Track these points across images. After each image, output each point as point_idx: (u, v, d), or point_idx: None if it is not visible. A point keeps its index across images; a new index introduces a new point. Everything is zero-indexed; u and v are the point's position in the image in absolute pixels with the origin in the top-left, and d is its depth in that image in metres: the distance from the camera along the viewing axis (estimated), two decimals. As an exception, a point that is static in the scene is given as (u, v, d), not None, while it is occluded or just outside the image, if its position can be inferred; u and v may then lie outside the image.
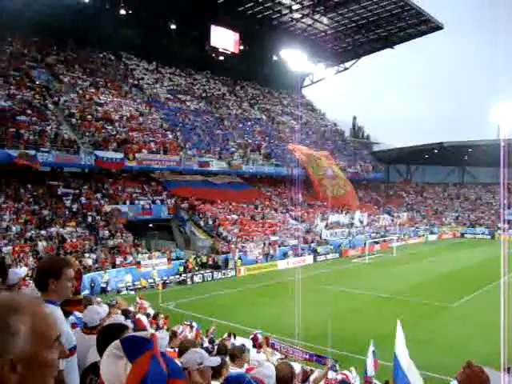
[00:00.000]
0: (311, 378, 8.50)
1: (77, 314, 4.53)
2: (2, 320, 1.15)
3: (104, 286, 29.20)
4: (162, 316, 14.39)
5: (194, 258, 36.22)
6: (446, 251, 50.04)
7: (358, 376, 12.19)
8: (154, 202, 40.82)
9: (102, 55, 53.11)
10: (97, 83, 47.45)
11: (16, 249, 28.22)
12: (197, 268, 35.58)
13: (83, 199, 36.42)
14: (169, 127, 48.65)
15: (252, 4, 53.83)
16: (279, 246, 42.27)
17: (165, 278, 32.42)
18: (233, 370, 4.76)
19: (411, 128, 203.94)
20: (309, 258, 42.86)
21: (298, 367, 7.96)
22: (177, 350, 6.29)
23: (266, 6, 54.26)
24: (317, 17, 58.25)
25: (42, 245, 29.69)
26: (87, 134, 39.37)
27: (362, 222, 55.05)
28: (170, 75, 59.18)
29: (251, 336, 13.04)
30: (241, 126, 59.69)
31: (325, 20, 59.23)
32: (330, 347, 13.95)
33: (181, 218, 41.57)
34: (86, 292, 25.07)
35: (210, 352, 7.76)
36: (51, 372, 1.24)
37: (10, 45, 43.51)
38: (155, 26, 52.54)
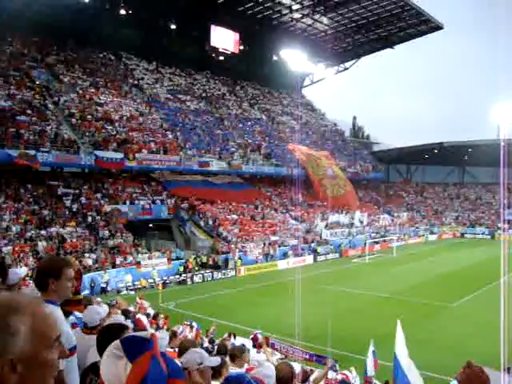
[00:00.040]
0: (311, 378, 8.50)
1: (77, 314, 4.53)
2: (2, 320, 1.15)
3: (104, 286, 29.20)
4: (162, 316, 14.40)
5: (194, 258, 36.22)
6: (446, 251, 50.04)
7: (358, 376, 12.20)
8: (154, 202, 40.82)
9: (101, 55, 53.12)
10: (97, 83, 47.46)
11: (16, 249, 28.22)
12: (197, 268, 35.58)
13: (83, 199, 36.42)
14: (169, 127, 48.65)
15: (252, 4, 53.83)
16: (279, 246, 42.27)
17: (165, 278, 32.41)
18: (233, 370, 4.76)
19: (411, 128, 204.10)
20: (309, 258, 42.85)
21: (298, 367, 7.96)
22: (177, 350, 6.29)
23: (265, 5, 54.27)
24: (317, 17, 58.26)
25: (42, 245, 29.69)
26: (87, 134, 39.38)
27: (362, 222, 55.05)
28: (170, 75, 59.18)
29: (251, 336, 13.05)
30: (241, 126, 59.70)
31: (325, 20, 59.24)
32: (330, 347, 13.95)
33: (181, 218, 41.56)
34: (86, 292, 25.07)
35: (210, 352, 7.76)
36: (51, 372, 1.24)
37: (10, 45, 43.51)
38: (155, 26, 52.54)
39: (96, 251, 31.62)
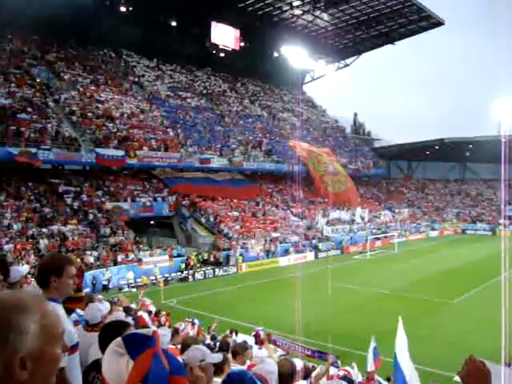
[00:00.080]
0: (313, 375, 8.51)
1: (79, 311, 4.54)
2: (11, 319, 1.17)
3: (106, 283, 29.23)
4: (164, 313, 14.44)
5: (196, 255, 36.25)
6: (446, 247, 50.02)
7: (360, 372, 12.22)
8: (155, 199, 40.83)
9: (102, 52, 53.09)
10: (97, 81, 47.44)
11: (17, 247, 28.23)
12: (198, 265, 35.61)
13: (84, 197, 36.43)
14: (169, 124, 48.64)
15: (252, 0, 53.78)
16: (280, 243, 42.28)
17: (166, 275, 32.42)
18: (234, 366, 4.77)
19: (412, 124, 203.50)
20: (310, 255, 42.85)
21: (299, 363, 7.97)
22: (179, 346, 6.31)
23: (266, 2, 54.19)
24: (317, 13, 58.17)
25: (43, 243, 29.72)
26: (88, 131, 39.38)
27: (363, 219, 55.04)
28: (171, 72, 59.13)
29: (253, 333, 13.07)
30: (241, 122, 59.65)
31: (325, 16, 59.14)
32: (331, 343, 13.97)
33: (182, 215, 41.60)
34: (88, 290, 25.14)
35: (211, 349, 7.78)
36: (57, 366, 1.27)
37: (11, 42, 43.49)
38: (155, 23, 52.48)
39: (97, 249, 31.65)
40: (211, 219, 41.87)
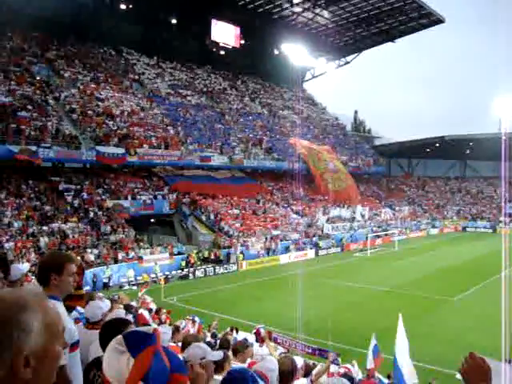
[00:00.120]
0: (313, 372, 8.51)
1: (79, 309, 4.54)
2: (14, 318, 1.17)
3: (106, 281, 29.23)
4: (165, 311, 14.44)
5: (196, 253, 36.28)
6: (447, 245, 50.04)
7: (360, 369, 12.23)
8: (155, 197, 40.84)
9: (102, 50, 53.03)
10: (97, 78, 47.41)
11: (18, 245, 28.24)
12: (199, 263, 35.62)
13: (85, 195, 36.44)
14: (170, 122, 48.61)
15: (253, -2, 53.80)
16: (281, 241, 42.28)
17: (167, 273, 32.44)
18: (235, 364, 4.77)
19: (412, 122, 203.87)
20: (310, 253, 42.87)
21: (300, 361, 7.97)
22: (179, 344, 6.31)
23: (266, 0, 54.12)
24: (318, 11, 58.13)
25: (43, 241, 29.73)
26: (88, 129, 39.37)
27: (363, 216, 55.05)
28: (171, 70, 59.09)
29: (254, 330, 13.07)
30: (242, 120, 59.63)
31: (326, 14, 59.08)
32: (331, 341, 13.98)
33: (182, 212, 41.62)
34: (88, 288, 25.16)
35: (212, 346, 7.78)
36: (57, 364, 1.28)
37: (11, 40, 43.43)
38: (155, 21, 52.47)
39: (98, 247, 31.66)
40: (212, 217, 41.89)
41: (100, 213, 35.43)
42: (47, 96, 40.35)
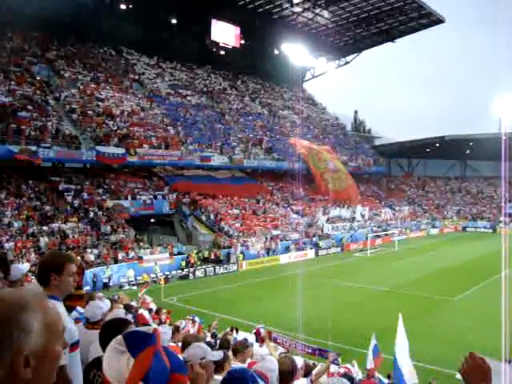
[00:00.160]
0: (314, 372, 8.51)
1: (79, 309, 4.54)
2: (14, 318, 1.17)
3: (106, 281, 29.22)
4: (165, 311, 14.44)
5: (196, 253, 36.28)
6: (447, 245, 50.04)
7: (360, 369, 12.23)
8: (155, 197, 40.85)
9: (102, 50, 53.05)
10: (97, 78, 47.41)
11: (18, 245, 28.24)
12: (199, 263, 35.63)
13: (85, 195, 36.45)
14: (170, 122, 48.62)
15: (253, -2, 53.81)
16: (281, 241, 42.28)
17: (167, 273, 32.44)
18: (235, 364, 4.77)
19: (412, 122, 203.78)
20: (311, 253, 42.87)
21: (300, 361, 7.97)
22: (180, 344, 6.31)
23: (266, 0, 54.14)
24: (318, 10, 58.14)
25: (43, 241, 29.73)
26: (88, 129, 39.37)
27: (363, 216, 55.05)
28: (171, 70, 59.10)
29: (254, 330, 13.07)
30: (242, 120, 59.64)
31: (326, 14, 59.10)
32: (331, 341, 13.97)
33: (182, 212, 41.62)
34: (88, 288, 25.15)
35: (212, 346, 7.78)
36: (57, 364, 1.28)
37: (11, 40, 43.43)
38: (156, 21, 52.48)
39: (98, 247, 31.66)
40: (212, 217, 41.89)
41: (100, 213, 35.44)
42: (47, 96, 40.36)
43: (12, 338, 1.15)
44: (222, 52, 60.51)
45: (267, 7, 56.06)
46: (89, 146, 37.44)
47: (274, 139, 59.26)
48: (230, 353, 5.47)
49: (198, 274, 33.74)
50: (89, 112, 41.37)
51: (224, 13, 54.34)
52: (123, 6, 49.02)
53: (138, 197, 39.67)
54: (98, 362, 2.74)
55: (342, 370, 10.30)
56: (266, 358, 4.14)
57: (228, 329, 14.08)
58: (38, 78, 41.57)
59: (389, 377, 11.92)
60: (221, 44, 57.82)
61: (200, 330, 13.02)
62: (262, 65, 68.92)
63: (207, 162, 46.47)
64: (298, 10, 57.75)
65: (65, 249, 28.73)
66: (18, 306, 1.19)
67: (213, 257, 36.81)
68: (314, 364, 11.14)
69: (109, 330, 2.91)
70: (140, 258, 32.47)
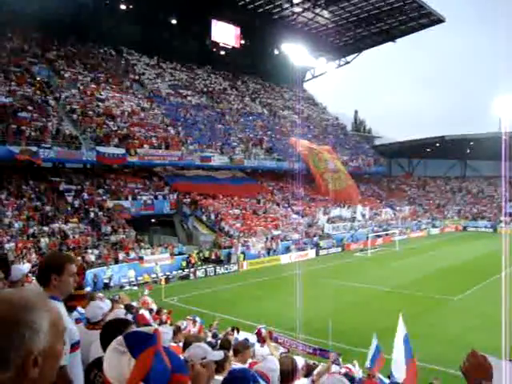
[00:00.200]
0: (315, 372, 8.52)
1: (80, 309, 4.55)
2: (24, 318, 1.18)
3: (107, 281, 29.23)
4: (165, 311, 14.45)
5: (197, 253, 36.28)
6: (448, 245, 50.00)
7: (361, 369, 12.23)
8: (156, 197, 40.86)
9: (102, 50, 53.08)
10: (98, 79, 47.43)
11: (19, 245, 28.23)
12: (199, 263, 35.64)
13: (85, 195, 36.46)
14: (170, 122, 48.64)
15: (253, -2, 53.84)
16: (281, 241, 42.28)
17: (168, 273, 32.45)
18: (235, 365, 4.77)
19: (412, 121, 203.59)
20: (311, 252, 42.87)
21: (301, 361, 7.98)
22: (181, 344, 6.32)
23: (266, 0, 54.14)
24: (318, 10, 58.16)
25: (44, 241, 29.74)
26: (88, 129, 39.38)
27: (364, 216, 55.03)
28: (171, 70, 59.12)
29: (255, 331, 13.09)
30: (242, 120, 59.66)
31: (326, 14, 59.12)
32: (332, 341, 13.98)
33: (183, 213, 41.63)
34: (89, 288, 25.14)
35: (213, 346, 7.78)
36: (60, 361, 1.29)
37: (11, 41, 43.45)
38: (156, 21, 52.47)
39: (98, 247, 31.67)
40: (212, 217, 41.89)
41: (100, 213, 35.45)
42: (47, 96, 40.37)
43: (23, 338, 1.16)
44: (222, 52, 60.55)
45: (267, 7, 56.09)
46: (89, 146, 37.45)
47: (275, 139, 59.27)
48: (230, 353, 5.48)
49: (199, 274, 33.75)
50: (89, 112, 41.39)
51: (224, 13, 54.36)
52: (123, 7, 49.06)
53: (139, 197, 39.68)
54: (98, 362, 2.73)
55: (343, 370, 10.31)
56: (267, 358, 4.14)
57: (229, 329, 14.08)
58: (38, 79, 41.59)
59: (389, 377, 11.92)
60: (221, 44, 57.86)
61: (201, 330, 13.03)
62: (263, 65, 68.93)
63: (207, 162, 46.50)
64: (298, 10, 57.78)
65: (65, 249, 28.75)
66: (26, 306, 1.19)
67: (213, 257, 36.82)
68: (314, 364, 11.15)
69: (109, 330, 2.91)
70: (141, 259, 32.48)
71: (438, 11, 58.77)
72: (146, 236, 37.82)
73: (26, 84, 39.59)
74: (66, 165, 38.47)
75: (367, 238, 47.39)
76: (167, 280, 30.41)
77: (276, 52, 64.71)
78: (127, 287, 29.61)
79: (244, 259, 37.35)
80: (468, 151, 73.08)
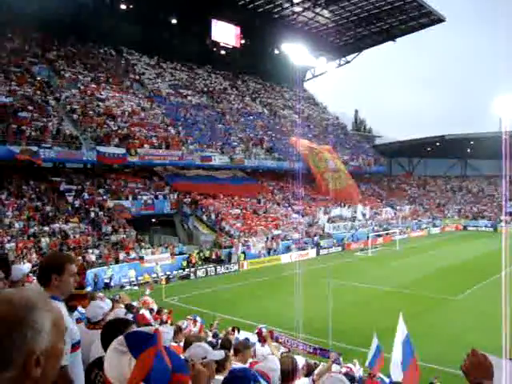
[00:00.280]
0: (315, 372, 8.53)
1: (80, 309, 4.55)
2: (26, 318, 1.18)
3: (107, 281, 29.22)
4: (166, 311, 14.45)
5: (197, 253, 36.27)
6: (448, 244, 49.99)
7: (362, 368, 12.25)
8: (156, 197, 40.86)
9: (102, 50, 53.07)
10: (98, 79, 47.41)
11: (19, 245, 28.24)
12: (200, 263, 35.63)
13: (86, 195, 36.46)
14: (170, 122, 48.62)
15: (253, -2, 53.83)
16: (282, 240, 42.28)
17: (168, 273, 32.46)
18: (235, 364, 4.77)
19: (413, 121, 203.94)
20: (312, 252, 42.86)
21: (302, 361, 7.99)
22: (181, 344, 6.32)
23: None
24: (318, 10, 58.14)
25: (44, 241, 29.74)
26: (89, 129, 39.38)
27: (364, 216, 55.01)
28: (172, 70, 59.11)
29: (256, 330, 13.08)
30: (242, 120, 59.64)
31: (326, 13, 59.10)
32: (332, 340, 13.99)
33: (183, 212, 41.62)
34: (89, 288, 25.14)
35: (213, 346, 7.79)
36: (61, 361, 1.29)
37: (11, 41, 43.43)
38: (156, 21, 52.43)
39: (99, 247, 31.67)
40: (213, 217, 41.89)
41: (101, 213, 35.45)
42: (48, 96, 40.37)
43: (25, 338, 1.16)
44: (223, 52, 60.54)
45: (267, 7, 56.09)
46: (89, 146, 37.45)
47: (275, 139, 59.23)
48: (231, 352, 5.48)
49: (199, 273, 33.75)
50: (89, 112, 41.39)
51: (224, 13, 54.34)
52: (123, 6, 49.04)
53: (139, 197, 39.68)
54: (99, 362, 2.74)
55: (343, 370, 10.32)
56: (267, 357, 4.14)
57: (229, 329, 14.09)
58: (39, 79, 41.59)
59: (389, 376, 11.93)
60: (221, 44, 57.85)
61: (201, 330, 13.03)
62: (263, 64, 68.89)
63: (208, 162, 46.48)
64: (298, 9, 57.77)
65: (66, 249, 28.76)
66: (27, 306, 1.19)
67: (214, 257, 36.81)
68: (315, 364, 11.15)
69: (110, 330, 2.91)
70: (141, 258, 32.48)
71: (438, 10, 58.77)
72: (147, 236, 37.82)
73: (26, 84, 39.59)
74: (66, 165, 38.47)
75: (368, 237, 47.36)
76: (168, 280, 30.43)
77: (276, 52, 64.70)
78: (128, 287, 29.62)
79: (244, 259, 37.36)
80: (468, 150, 73.09)
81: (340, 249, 45.92)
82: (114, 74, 50.29)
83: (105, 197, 37.50)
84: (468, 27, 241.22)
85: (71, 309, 3.65)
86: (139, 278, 31.03)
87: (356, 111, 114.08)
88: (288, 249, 41.63)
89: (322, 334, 16.80)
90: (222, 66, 65.20)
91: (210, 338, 12.04)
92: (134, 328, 2.76)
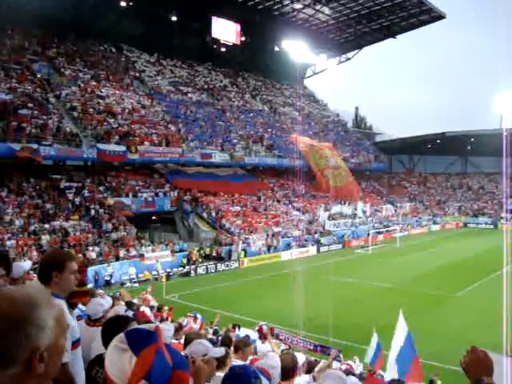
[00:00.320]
0: (316, 369, 8.53)
1: (81, 306, 4.55)
2: (29, 315, 1.19)
3: (108, 278, 29.25)
4: (166, 308, 14.45)
5: (198, 250, 36.29)
6: (448, 241, 49.98)
7: (362, 364, 12.27)
8: (156, 194, 40.86)
9: (102, 48, 53.00)
10: (98, 76, 47.37)
11: (20, 243, 28.25)
12: (200, 260, 35.65)
13: (86, 192, 36.46)
14: (171, 119, 48.59)
15: (253, -5, 53.73)
16: (282, 238, 42.31)
17: (168, 270, 32.49)
18: (236, 361, 4.78)
19: (413, 118, 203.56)
20: (312, 249, 42.88)
21: (302, 358, 7.98)
22: (182, 341, 6.32)
23: (267, -4, 54.16)
24: (318, 7, 58.00)
25: (45, 238, 29.75)
26: (89, 127, 39.36)
27: (365, 213, 54.99)
28: (172, 67, 59.04)
29: (256, 327, 13.10)
30: (243, 117, 59.59)
31: (326, 10, 58.97)
32: (333, 337, 14.00)
33: (184, 210, 41.63)
34: (90, 285, 25.15)
35: (214, 343, 7.80)
36: (62, 357, 1.31)
37: (11, 38, 43.38)
38: (156, 18, 52.34)
39: (99, 244, 31.69)
40: (213, 214, 41.90)
41: (101, 210, 35.46)
42: (48, 94, 40.35)
43: (29, 335, 1.17)
44: (223, 49, 60.45)
45: (267, 4, 55.98)
46: (90, 143, 37.45)
47: (275, 136, 59.20)
48: (231, 349, 5.48)
49: (200, 271, 33.78)
50: (89, 110, 41.37)
51: (224, 10, 54.23)
52: (123, 3, 48.93)
53: (139, 194, 39.69)
54: (100, 359, 2.74)
55: (344, 367, 10.33)
56: (268, 354, 4.14)
57: (230, 326, 14.10)
58: (39, 76, 41.56)
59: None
60: (221, 41, 57.75)
61: (202, 327, 13.04)
62: (263, 62, 68.81)
63: (208, 159, 46.47)
64: (298, 6, 57.64)
65: (66, 247, 28.80)
66: (30, 304, 1.20)
67: (214, 254, 36.85)
68: (315, 360, 11.16)
69: (111, 327, 2.92)
70: (141, 256, 32.51)
71: (438, 7, 58.65)
72: (147, 233, 37.84)
73: (26, 81, 39.55)
74: (66, 162, 38.50)
75: (368, 234, 47.41)
76: (168, 277, 30.46)
77: (276, 49, 64.58)
78: (128, 284, 29.64)
79: (245, 256, 37.40)
80: (469, 147, 73.01)
81: (340, 246, 45.94)
82: (114, 71, 50.25)
83: (105, 194, 37.51)
84: (469, 24, 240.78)
85: (72, 306, 3.65)
86: (139, 276, 31.06)
87: (356, 108, 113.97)
88: (288, 246, 41.68)
89: (322, 331, 16.82)
90: (222, 63, 65.12)
91: (210, 335, 12.04)
92: (135, 325, 2.76)
